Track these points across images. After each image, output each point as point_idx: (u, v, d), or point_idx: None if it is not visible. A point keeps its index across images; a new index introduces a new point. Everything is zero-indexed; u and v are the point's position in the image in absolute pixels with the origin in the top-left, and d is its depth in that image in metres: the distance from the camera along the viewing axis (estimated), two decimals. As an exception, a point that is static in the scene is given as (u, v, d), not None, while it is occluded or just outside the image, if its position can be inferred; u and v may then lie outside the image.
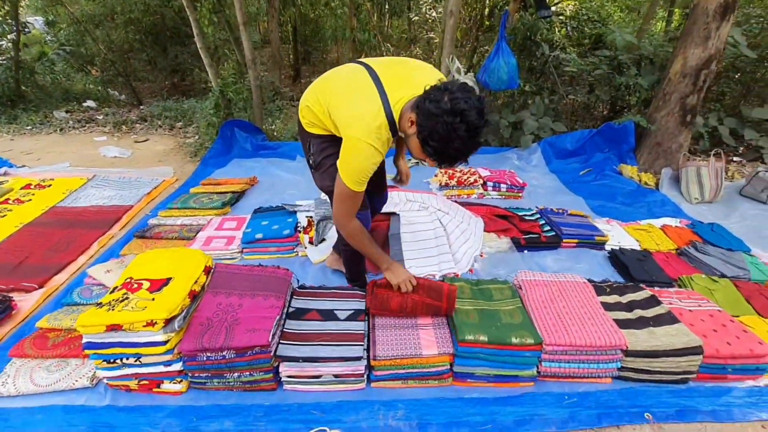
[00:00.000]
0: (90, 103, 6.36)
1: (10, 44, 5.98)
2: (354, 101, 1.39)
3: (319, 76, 1.60)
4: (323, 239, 2.41)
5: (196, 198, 3.02)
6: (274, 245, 2.38)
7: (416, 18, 5.89)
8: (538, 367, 1.59)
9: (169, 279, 1.60)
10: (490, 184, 3.23)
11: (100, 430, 1.44)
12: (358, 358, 1.52)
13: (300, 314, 1.71)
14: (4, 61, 5.94)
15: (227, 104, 4.33)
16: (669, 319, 1.73)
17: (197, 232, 2.57)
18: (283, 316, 1.66)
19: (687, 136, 3.78)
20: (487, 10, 5.03)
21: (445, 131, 1.19)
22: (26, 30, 7.85)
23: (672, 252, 2.55)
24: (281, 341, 1.56)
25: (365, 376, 1.57)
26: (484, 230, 2.56)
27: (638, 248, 2.57)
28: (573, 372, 1.60)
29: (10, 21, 5.80)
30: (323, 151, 1.62)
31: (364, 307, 1.74)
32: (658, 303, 1.81)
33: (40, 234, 2.74)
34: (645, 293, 1.90)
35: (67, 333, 1.72)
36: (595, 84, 4.54)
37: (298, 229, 2.42)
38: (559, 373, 1.60)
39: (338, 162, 1.43)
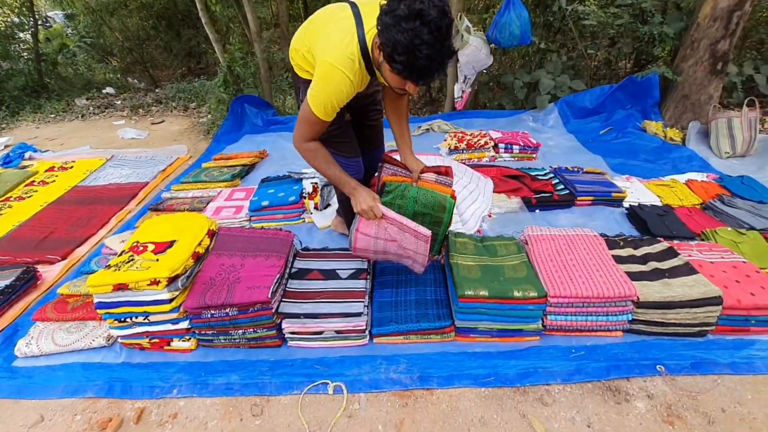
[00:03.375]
0: (109, 89, 6.51)
1: (30, 38, 6.13)
2: (330, 32, 1.34)
3: None
4: (328, 204, 2.40)
5: (208, 172, 3.07)
6: (281, 212, 2.39)
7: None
8: (543, 321, 1.55)
9: (173, 242, 1.64)
10: (501, 146, 3.12)
11: (115, 384, 1.51)
12: (359, 314, 1.52)
13: (302, 274, 1.72)
14: (27, 54, 6.13)
15: (236, 80, 4.32)
16: (686, 270, 1.64)
17: (207, 203, 2.62)
18: (285, 275, 1.68)
19: (717, 86, 3.51)
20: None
21: (407, 39, 1.09)
22: (47, 24, 8.06)
23: (696, 206, 2.41)
24: (283, 299, 1.58)
25: (367, 332, 1.58)
26: (494, 191, 2.49)
27: (659, 204, 2.44)
28: (580, 325, 1.55)
29: (26, 13, 5.93)
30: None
31: (366, 266, 1.74)
32: (676, 255, 1.72)
33: (62, 211, 2.86)
34: (662, 245, 1.80)
35: (85, 298, 1.80)
36: (616, 37, 4.25)
37: (304, 195, 2.42)
38: (565, 327, 1.55)
39: (309, 87, 1.38)
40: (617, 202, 2.46)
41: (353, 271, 1.72)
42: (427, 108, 5.22)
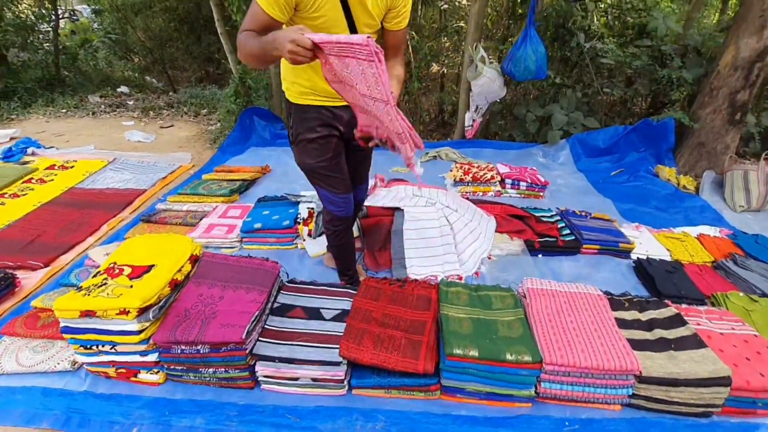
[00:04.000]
0: (123, 88, 6.56)
1: (50, 30, 6.22)
2: None
3: None
4: (322, 232, 2.32)
5: (206, 185, 3.01)
6: (274, 236, 2.31)
7: (446, 7, 5.65)
8: (536, 387, 1.43)
9: (151, 266, 1.55)
10: (508, 181, 3.03)
11: (73, 416, 1.42)
12: (338, 363, 1.42)
13: (284, 310, 1.62)
14: (47, 46, 6.20)
15: (247, 92, 4.31)
16: (694, 342, 1.52)
17: (201, 219, 2.55)
18: (266, 311, 1.59)
19: (735, 136, 3.41)
20: (521, -4, 4.74)
21: None
22: (74, 18, 8.22)
23: (707, 265, 2.29)
24: (260, 338, 1.49)
25: (346, 382, 1.47)
26: (496, 230, 2.39)
27: (668, 259, 2.32)
28: (577, 396, 1.43)
29: (48, 6, 6.01)
30: (302, 123, 1.50)
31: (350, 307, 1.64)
32: (683, 323, 1.60)
33: (55, 213, 2.80)
34: (669, 311, 1.69)
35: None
36: (634, 77, 4.19)
37: (298, 220, 2.34)
38: (560, 396, 1.44)
39: None
40: (624, 253, 2.35)
41: (338, 312, 1.62)
42: (437, 131, 5.18)
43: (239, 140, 4.14)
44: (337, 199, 1.60)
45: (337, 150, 1.56)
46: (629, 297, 1.79)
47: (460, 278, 2.04)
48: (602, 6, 4.62)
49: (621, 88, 4.23)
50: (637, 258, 2.30)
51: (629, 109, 4.63)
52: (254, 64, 1.30)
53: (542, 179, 3.07)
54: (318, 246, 2.24)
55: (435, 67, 5.98)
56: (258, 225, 2.29)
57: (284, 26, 1.26)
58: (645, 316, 1.67)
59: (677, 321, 1.63)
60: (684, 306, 1.82)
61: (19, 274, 2.16)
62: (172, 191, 3.11)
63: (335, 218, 1.69)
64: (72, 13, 8.39)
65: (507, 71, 3.47)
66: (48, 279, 2.19)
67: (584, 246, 2.34)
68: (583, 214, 2.64)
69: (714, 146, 3.46)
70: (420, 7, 6.24)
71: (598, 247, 2.34)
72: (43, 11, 5.99)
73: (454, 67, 5.87)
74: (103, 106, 5.60)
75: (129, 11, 7.13)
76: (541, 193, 3.06)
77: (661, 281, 2.06)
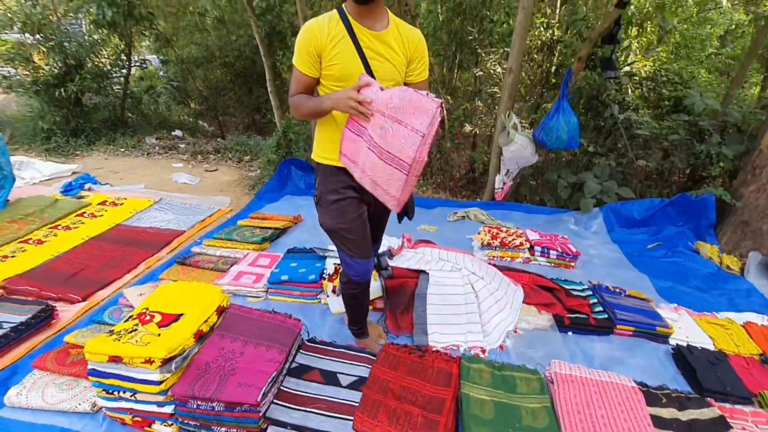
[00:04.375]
0: (177, 132, 7.12)
1: (122, 77, 6.95)
2: None
3: None
4: (347, 289, 2.33)
5: (240, 231, 3.13)
6: (299, 289, 2.34)
7: (481, 74, 5.92)
8: (561, 487, 1.32)
9: (180, 315, 1.61)
10: (538, 248, 2.98)
11: (85, 463, 1.42)
12: (350, 436, 1.38)
13: (302, 372, 1.61)
14: (118, 88, 6.91)
15: (288, 144, 4.58)
16: (743, 454, 1.38)
17: (232, 265, 2.64)
18: (283, 371, 1.58)
19: (783, 217, 3.24)
20: (553, 68, 4.92)
21: None
22: (144, 66, 9.21)
23: (755, 358, 2.11)
24: (275, 400, 1.47)
25: (358, 456, 1.41)
26: (523, 302, 2.33)
27: (711, 347, 2.16)
28: (606, 501, 1.30)
29: (123, 58, 6.77)
30: (326, 184, 1.55)
31: (368, 375, 1.61)
32: (728, 428, 1.46)
33: (100, 248, 2.98)
34: (712, 412, 1.55)
35: (87, 353, 1.79)
36: (670, 149, 4.14)
37: (324, 275, 2.38)
38: (588, 500, 1.31)
39: None
40: (662, 338, 2.21)
41: (355, 379, 1.59)
42: (467, 188, 5.23)
43: (276, 188, 4.34)
44: (354, 264, 1.61)
45: (359, 213, 1.57)
46: (667, 391, 1.66)
47: (484, 351, 1.97)
48: (637, 78, 4.70)
49: (657, 159, 4.19)
50: (677, 344, 2.15)
51: (666, 180, 4.53)
52: (309, 119, 1.46)
53: (574, 249, 3.00)
54: (340, 304, 2.24)
55: (468, 127, 6.17)
56: (285, 277, 2.34)
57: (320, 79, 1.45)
58: (685, 415, 1.54)
59: (721, 424, 1.49)
60: (728, 406, 1.67)
61: (59, 305, 2.29)
62: (209, 234, 3.25)
63: (351, 281, 1.69)
64: (143, 62, 9.41)
65: (539, 139, 3.53)
66: (84, 313, 2.29)
67: (618, 326, 2.22)
68: (618, 290, 2.53)
69: (759, 226, 3.30)
70: (456, 71, 6.58)
71: (632, 328, 2.21)
72: (119, 62, 6.73)
73: (487, 129, 6.04)
74: (157, 148, 6.07)
75: (192, 64, 7.93)
76: (573, 264, 2.97)
77: (703, 374, 1.90)
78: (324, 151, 1.54)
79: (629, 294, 2.52)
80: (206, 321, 1.63)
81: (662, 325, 2.21)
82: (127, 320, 1.59)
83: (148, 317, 1.59)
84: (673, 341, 2.20)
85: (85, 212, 3.56)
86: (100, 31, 6.20)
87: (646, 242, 3.52)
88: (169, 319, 1.58)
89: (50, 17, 6.01)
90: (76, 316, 2.25)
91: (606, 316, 2.28)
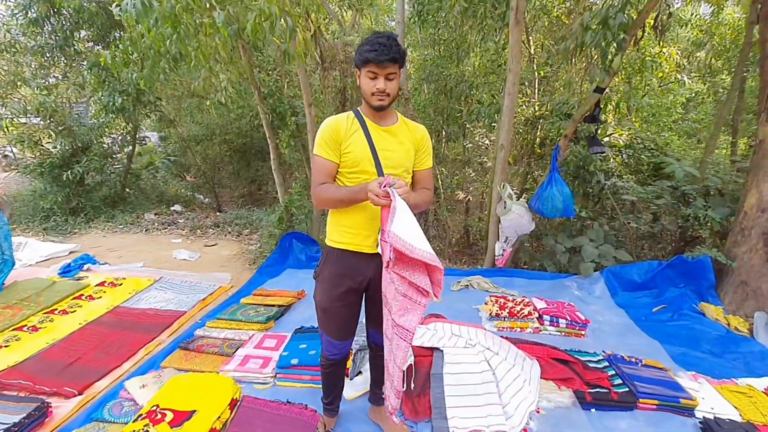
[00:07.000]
0: (176, 207, 7.22)
1: (125, 156, 7.18)
2: None
3: None
4: (359, 372, 2.26)
5: (244, 310, 3.08)
6: (309, 373, 2.26)
7: (470, 145, 6.30)
8: None
9: (193, 412, 1.53)
10: (546, 317, 2.96)
11: None
12: None
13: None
14: (119, 168, 7.08)
15: (290, 218, 4.67)
16: None
17: (237, 348, 2.55)
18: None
19: (779, 276, 3.32)
20: (538, 140, 5.27)
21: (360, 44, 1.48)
22: (144, 142, 9.59)
23: (786, 429, 2.04)
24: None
25: None
26: (541, 377, 2.26)
27: (739, 419, 2.09)
28: None
29: (129, 138, 7.05)
30: (330, 263, 1.62)
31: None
32: None
33: (97, 334, 2.88)
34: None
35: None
36: (659, 213, 4.32)
37: (335, 357, 2.30)
38: None
39: None
40: (687, 411, 2.14)
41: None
42: (464, 253, 5.28)
43: (277, 261, 4.34)
44: (333, 344, 1.68)
45: (350, 295, 1.63)
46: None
47: (508, 436, 1.87)
48: (616, 147, 5.04)
49: (648, 222, 4.34)
50: (704, 417, 2.08)
51: (658, 241, 4.66)
52: (337, 207, 1.57)
53: (582, 317, 2.98)
54: (354, 388, 2.15)
55: (461, 194, 6.40)
56: (295, 361, 2.26)
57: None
58: (731, 503, 1.45)
59: None
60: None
61: (53, 401, 2.15)
62: (211, 313, 3.18)
63: (327, 360, 1.75)
64: (142, 139, 9.81)
65: (535, 209, 3.67)
66: (80, 408, 2.15)
67: (640, 400, 2.15)
68: (634, 360, 2.48)
69: (758, 285, 3.35)
70: (445, 142, 6.98)
71: (656, 402, 2.15)
72: (125, 143, 7.00)
73: (479, 195, 6.27)
74: (156, 224, 6.11)
75: (192, 141, 8.27)
76: (583, 332, 2.94)
77: (737, 450, 1.82)
78: (333, 233, 1.63)
79: (646, 363, 2.47)
80: (219, 417, 1.55)
81: (686, 397, 2.15)
82: (136, 420, 1.51)
83: (159, 415, 1.51)
84: (699, 414, 2.13)
85: (82, 294, 3.48)
86: (107, 115, 6.53)
87: (650, 305, 3.53)
88: (181, 418, 1.50)
89: (63, 104, 6.34)
90: (71, 413, 2.11)
91: (627, 389, 2.21)
